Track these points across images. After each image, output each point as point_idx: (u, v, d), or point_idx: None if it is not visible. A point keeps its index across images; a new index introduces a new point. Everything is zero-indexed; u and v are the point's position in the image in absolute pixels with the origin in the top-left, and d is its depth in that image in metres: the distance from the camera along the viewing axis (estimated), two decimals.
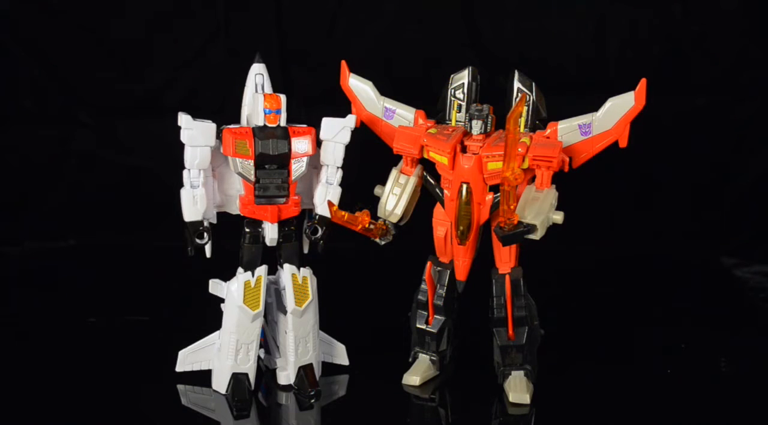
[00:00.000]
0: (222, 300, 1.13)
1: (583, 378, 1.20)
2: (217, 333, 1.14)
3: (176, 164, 1.09)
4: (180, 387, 1.16)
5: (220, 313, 1.13)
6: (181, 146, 1.07)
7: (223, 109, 1.68)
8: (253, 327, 1.11)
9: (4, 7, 1.75)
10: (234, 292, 1.10)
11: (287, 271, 1.12)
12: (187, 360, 1.16)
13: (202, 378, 1.16)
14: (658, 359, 1.25)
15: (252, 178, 1.09)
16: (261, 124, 1.09)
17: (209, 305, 1.16)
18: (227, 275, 1.13)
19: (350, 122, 1.12)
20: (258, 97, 1.09)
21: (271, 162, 1.09)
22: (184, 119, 1.06)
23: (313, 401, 1.12)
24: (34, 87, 1.79)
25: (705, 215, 1.78)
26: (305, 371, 1.14)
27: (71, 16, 1.76)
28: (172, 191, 1.11)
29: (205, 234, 1.10)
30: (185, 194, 1.08)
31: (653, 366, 1.23)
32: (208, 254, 1.11)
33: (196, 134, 1.06)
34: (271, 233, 1.11)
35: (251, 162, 1.08)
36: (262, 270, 1.11)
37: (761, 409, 1.13)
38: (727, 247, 1.73)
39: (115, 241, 1.76)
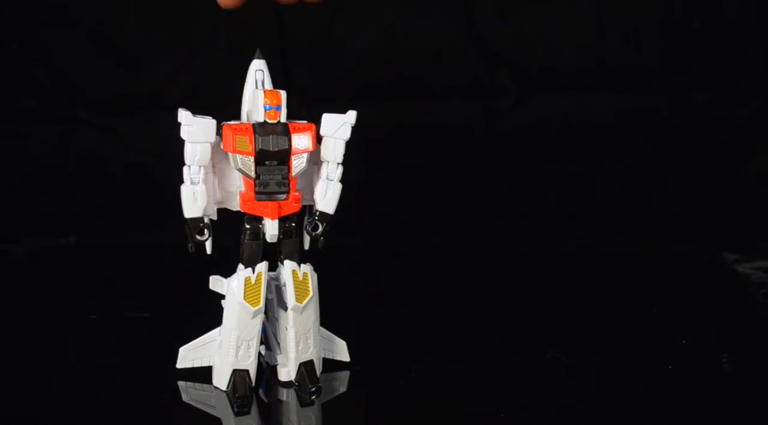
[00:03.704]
0: (222, 297, 1.13)
1: (584, 374, 1.19)
2: (217, 329, 1.14)
3: (176, 161, 1.08)
4: (181, 383, 1.15)
5: (220, 310, 1.13)
6: (181, 142, 1.07)
7: (223, 105, 1.67)
8: (254, 324, 1.11)
9: (4, 6, 1.75)
10: (234, 288, 1.10)
11: (288, 267, 1.12)
12: (188, 356, 1.16)
13: (203, 374, 1.15)
14: (659, 355, 1.25)
15: (252, 174, 1.08)
16: (261, 120, 1.09)
17: (210, 301, 1.16)
18: (228, 272, 1.13)
19: (351, 118, 1.12)
20: (258, 93, 1.09)
21: (272, 158, 1.08)
22: (183, 116, 1.06)
23: (314, 397, 1.12)
24: (34, 86, 1.79)
25: (707, 211, 1.78)
26: (306, 367, 1.14)
27: (71, 14, 1.76)
28: (172, 187, 1.11)
29: (206, 231, 1.10)
30: (185, 190, 1.08)
31: (654, 362, 1.23)
32: (208, 251, 1.11)
33: (196, 131, 1.06)
34: (271, 229, 1.11)
35: (251, 158, 1.08)
36: (262, 267, 1.11)
37: (762, 406, 1.13)
38: (728, 243, 1.73)
39: (116, 238, 1.76)
